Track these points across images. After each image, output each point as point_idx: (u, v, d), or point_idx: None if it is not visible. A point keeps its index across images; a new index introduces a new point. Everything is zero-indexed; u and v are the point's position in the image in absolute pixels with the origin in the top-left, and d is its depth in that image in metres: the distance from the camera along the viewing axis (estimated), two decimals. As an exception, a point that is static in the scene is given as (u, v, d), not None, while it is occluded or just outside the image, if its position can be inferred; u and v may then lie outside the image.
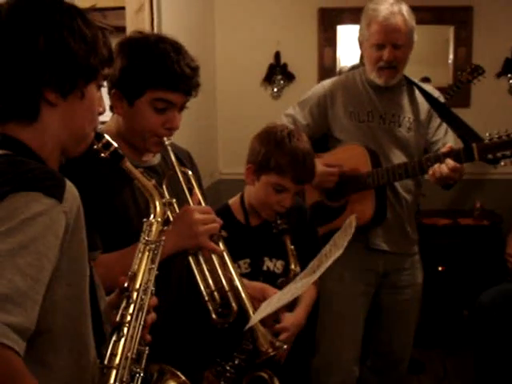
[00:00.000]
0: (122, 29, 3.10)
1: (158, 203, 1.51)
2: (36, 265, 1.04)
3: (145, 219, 1.50)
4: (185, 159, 1.97)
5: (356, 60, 4.21)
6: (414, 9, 2.61)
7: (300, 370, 2.28)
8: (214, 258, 1.76)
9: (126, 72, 1.69)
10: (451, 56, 4.46)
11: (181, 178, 1.79)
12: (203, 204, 1.82)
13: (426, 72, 4.24)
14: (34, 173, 1.12)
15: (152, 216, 1.50)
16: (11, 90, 1.19)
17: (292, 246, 2.04)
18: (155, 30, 2.97)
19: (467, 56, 4.40)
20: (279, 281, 2.07)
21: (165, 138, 1.76)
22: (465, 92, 4.22)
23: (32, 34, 1.18)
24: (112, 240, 1.65)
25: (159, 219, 1.49)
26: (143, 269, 1.39)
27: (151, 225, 1.48)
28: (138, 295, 1.34)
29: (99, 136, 1.43)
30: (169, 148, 1.78)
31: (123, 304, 1.32)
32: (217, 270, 1.76)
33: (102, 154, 1.45)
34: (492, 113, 4.19)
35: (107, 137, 1.45)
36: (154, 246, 1.45)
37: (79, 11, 1.25)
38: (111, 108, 1.77)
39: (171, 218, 1.73)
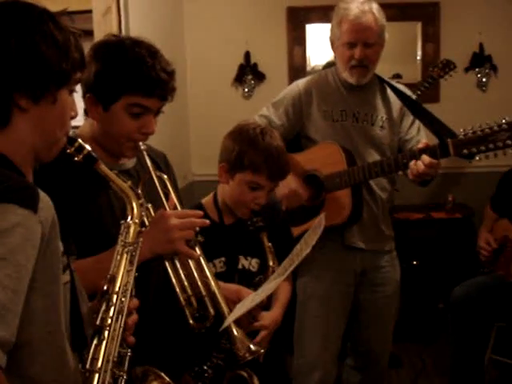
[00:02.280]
0: (90, 32, 3.08)
1: (134, 204, 1.50)
2: (16, 277, 1.03)
3: (122, 221, 1.49)
4: (160, 162, 1.96)
5: (327, 58, 4.24)
6: (381, 6, 2.61)
7: (278, 368, 2.28)
8: (191, 262, 1.75)
9: (100, 77, 1.66)
10: (419, 52, 4.50)
11: (156, 183, 1.78)
12: (179, 208, 1.80)
13: (395, 69, 4.28)
14: (6, 184, 1.09)
15: (129, 217, 1.49)
16: None
17: (269, 244, 2.04)
18: (123, 33, 2.95)
19: (435, 52, 4.44)
20: (257, 279, 2.07)
21: (140, 143, 1.74)
22: (434, 87, 4.26)
23: (3, 38, 1.16)
24: (87, 246, 1.63)
25: (136, 220, 1.48)
26: (122, 271, 1.38)
27: (129, 226, 1.47)
28: (117, 298, 1.33)
29: (72, 140, 1.41)
30: (144, 153, 1.76)
31: (103, 307, 1.31)
32: (193, 275, 1.75)
33: (76, 158, 1.43)
34: (461, 107, 4.25)
35: (80, 141, 1.43)
36: (131, 247, 1.43)
37: (51, 15, 1.23)
38: (85, 112, 1.75)
39: (147, 223, 1.72)
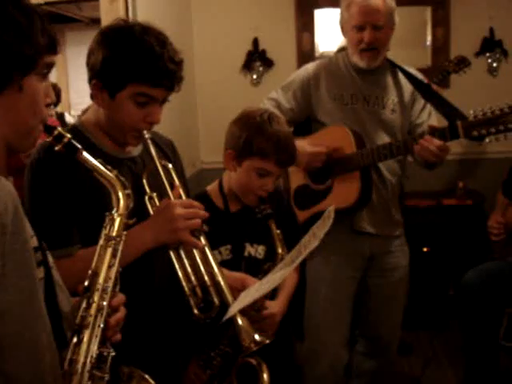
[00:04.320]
0: (97, 20, 3.08)
1: (120, 195, 1.41)
2: None
3: (107, 213, 1.41)
4: (167, 149, 1.95)
5: (335, 44, 4.22)
6: (391, -10, 2.60)
7: (286, 355, 2.28)
8: (196, 252, 1.74)
9: (107, 63, 1.64)
10: (429, 37, 4.46)
11: (161, 172, 1.76)
12: (184, 197, 1.79)
13: (405, 54, 4.23)
14: None
15: (115, 209, 1.40)
16: None
17: (278, 231, 2.03)
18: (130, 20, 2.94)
19: (445, 36, 4.40)
20: (266, 266, 2.05)
21: (144, 131, 1.73)
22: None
23: None
24: (93, 234, 1.62)
25: (122, 212, 1.40)
26: (105, 267, 1.31)
27: (113, 219, 1.38)
28: (99, 295, 1.27)
29: (49, 128, 1.33)
30: (149, 141, 1.75)
31: (83, 305, 1.25)
32: (198, 265, 1.73)
33: (56, 148, 1.36)
34: (472, 92, 4.20)
35: (59, 129, 1.36)
36: (114, 241, 1.36)
37: None
38: (91, 97, 1.74)
39: (151, 212, 1.72)
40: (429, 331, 4.01)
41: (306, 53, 4.48)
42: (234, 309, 1.72)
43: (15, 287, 1.07)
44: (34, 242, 1.16)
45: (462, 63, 3.94)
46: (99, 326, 1.24)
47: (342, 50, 3.15)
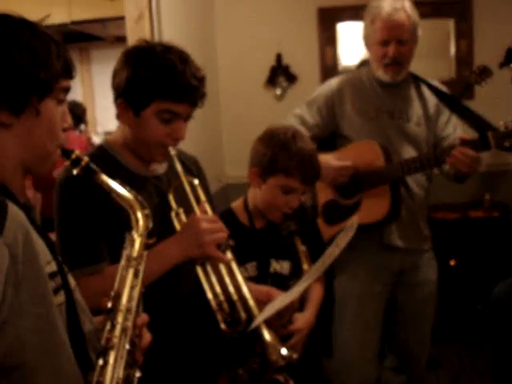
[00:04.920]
0: (123, 38, 3.12)
1: (140, 215, 1.38)
2: None
3: (127, 233, 1.39)
4: (192, 166, 1.97)
5: (358, 57, 4.20)
6: (414, 3, 2.60)
7: (313, 370, 2.27)
8: (222, 267, 1.75)
9: (131, 82, 1.68)
10: (453, 49, 4.44)
11: (187, 188, 1.79)
12: (210, 213, 1.81)
13: (429, 66, 4.22)
14: None
15: (134, 230, 1.38)
16: None
17: (303, 247, 2.03)
18: (156, 38, 2.98)
19: (469, 48, 4.38)
20: (291, 282, 2.06)
21: (170, 148, 1.76)
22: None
23: None
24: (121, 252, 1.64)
25: (142, 232, 1.38)
26: (128, 288, 1.29)
27: (133, 240, 1.36)
28: (123, 316, 1.25)
29: (67, 152, 1.32)
30: (175, 158, 1.77)
31: (107, 327, 1.23)
32: (225, 280, 1.75)
33: (74, 172, 1.35)
34: (496, 103, 4.15)
35: (77, 152, 1.35)
36: (136, 262, 1.34)
37: (29, 24, 1.18)
38: (117, 116, 1.77)
39: (178, 228, 1.74)
40: (457, 345, 3.97)
41: (329, 67, 4.49)
42: (258, 320, 1.72)
43: (31, 315, 1.07)
44: (53, 266, 1.16)
45: (484, 73, 3.90)
46: (124, 347, 1.22)
47: (363, 63, 3.16)
